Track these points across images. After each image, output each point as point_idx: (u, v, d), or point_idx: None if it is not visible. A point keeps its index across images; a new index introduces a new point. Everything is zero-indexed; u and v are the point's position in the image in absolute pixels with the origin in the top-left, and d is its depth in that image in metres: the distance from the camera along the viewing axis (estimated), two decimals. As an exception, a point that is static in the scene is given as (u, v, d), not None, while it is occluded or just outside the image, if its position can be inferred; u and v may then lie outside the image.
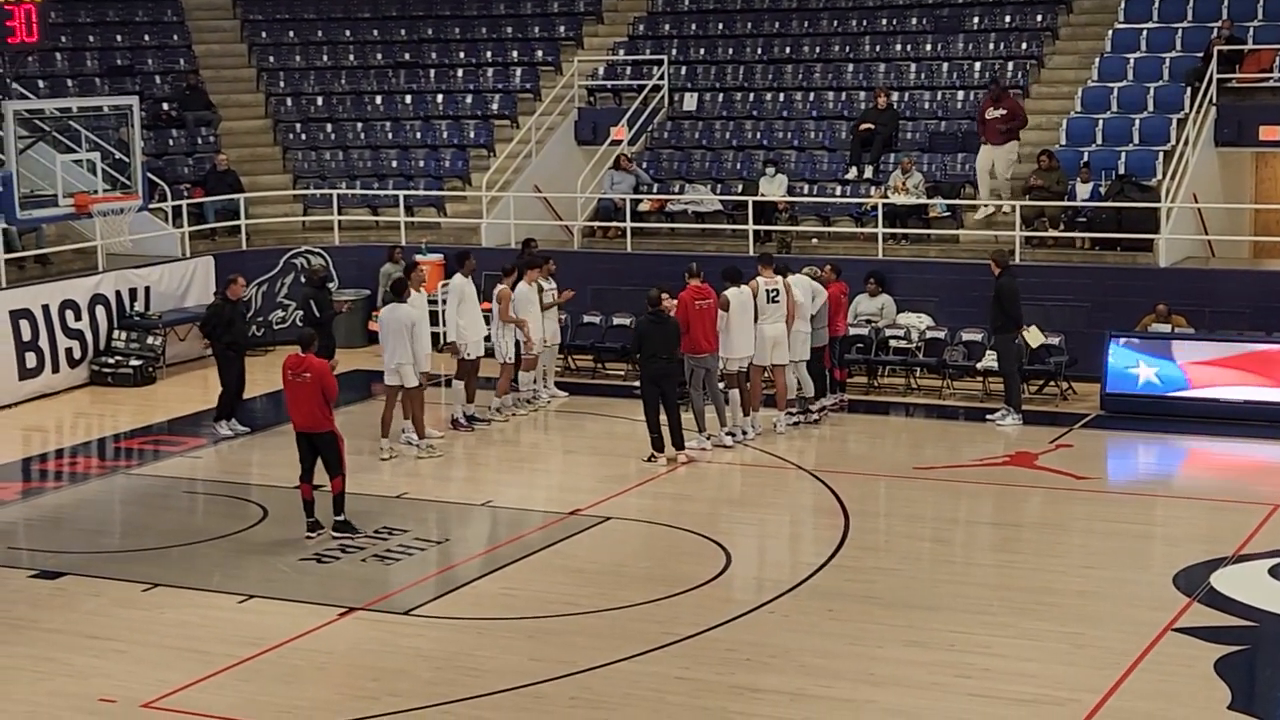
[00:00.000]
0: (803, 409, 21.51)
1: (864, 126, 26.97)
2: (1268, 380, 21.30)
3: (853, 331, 23.30)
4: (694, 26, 31.34)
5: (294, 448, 16.94)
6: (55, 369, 24.05)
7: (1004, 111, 25.80)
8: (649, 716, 12.32)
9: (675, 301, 19.98)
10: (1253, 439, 20.69)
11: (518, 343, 21.92)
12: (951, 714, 12.30)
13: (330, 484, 16.76)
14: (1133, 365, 21.88)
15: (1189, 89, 26.25)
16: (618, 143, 28.54)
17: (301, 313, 23.55)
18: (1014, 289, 21.35)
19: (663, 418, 19.66)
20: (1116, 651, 13.45)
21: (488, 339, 21.74)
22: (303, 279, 26.41)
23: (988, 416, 21.59)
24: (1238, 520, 17.07)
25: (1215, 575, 15.30)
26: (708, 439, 20.16)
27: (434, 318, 22.31)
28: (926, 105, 28.22)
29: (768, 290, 20.63)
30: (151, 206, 26.51)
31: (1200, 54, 26.62)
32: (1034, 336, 22.25)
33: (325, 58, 32.55)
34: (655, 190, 27.87)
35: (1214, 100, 25.70)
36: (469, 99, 31.14)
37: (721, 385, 20.50)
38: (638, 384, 20.22)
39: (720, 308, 20.15)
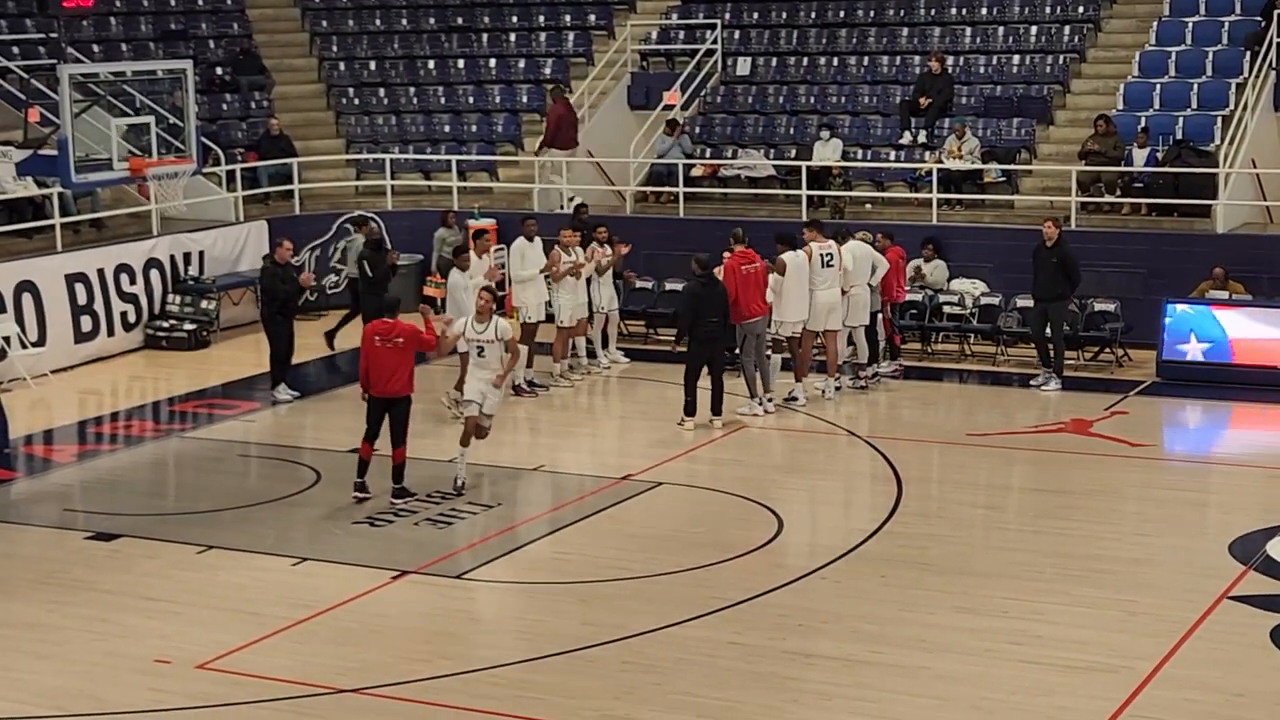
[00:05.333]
0: (854, 374, 21.46)
1: (923, 99, 26.80)
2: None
3: (907, 297, 23.23)
4: (747, -10, 31.21)
5: (347, 412, 17.03)
6: (110, 332, 24.20)
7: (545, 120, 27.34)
8: (701, 681, 12.32)
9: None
10: (1310, 406, 20.57)
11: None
12: (1004, 680, 12.26)
13: (393, 452, 16.79)
14: (1189, 332, 21.72)
15: (1248, 53, 26.00)
16: (670, 107, 28.47)
17: (355, 274, 23.56)
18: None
19: (704, 383, 19.63)
20: (1171, 619, 13.38)
21: (548, 304, 21.75)
22: (349, 238, 26.46)
23: (1031, 382, 21.48)
24: (1295, 488, 16.97)
25: (1272, 543, 15.20)
26: (759, 404, 20.12)
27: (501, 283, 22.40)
28: (982, 70, 28.02)
29: (822, 255, 20.55)
30: (205, 171, 26.58)
31: (1259, 17, 26.34)
32: None
33: (378, 22, 32.55)
34: (701, 157, 27.77)
35: (1273, 64, 25.44)
36: (522, 63, 31.09)
37: (769, 351, 20.44)
38: (683, 348, 20.11)
39: (776, 271, 20.08)
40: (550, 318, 21.82)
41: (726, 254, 20.22)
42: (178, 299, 25.07)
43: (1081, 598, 13.95)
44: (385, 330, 16.61)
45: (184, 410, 21.41)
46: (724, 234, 22.83)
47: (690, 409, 19.60)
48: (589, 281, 22.19)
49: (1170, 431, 20.76)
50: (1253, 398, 20.89)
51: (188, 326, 24.72)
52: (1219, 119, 25.36)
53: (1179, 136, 25.10)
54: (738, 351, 20.26)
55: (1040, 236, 21.41)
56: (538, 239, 21.68)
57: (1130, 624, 13.39)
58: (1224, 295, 22.12)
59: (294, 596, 14.24)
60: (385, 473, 16.92)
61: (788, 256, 20.24)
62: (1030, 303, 22.09)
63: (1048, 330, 21.45)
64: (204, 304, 25.01)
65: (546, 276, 21.56)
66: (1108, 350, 22.70)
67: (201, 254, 25.75)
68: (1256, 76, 25.36)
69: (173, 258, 25.30)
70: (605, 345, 22.99)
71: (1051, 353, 21.45)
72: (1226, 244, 23.36)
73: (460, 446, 17.14)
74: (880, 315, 21.72)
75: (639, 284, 24.54)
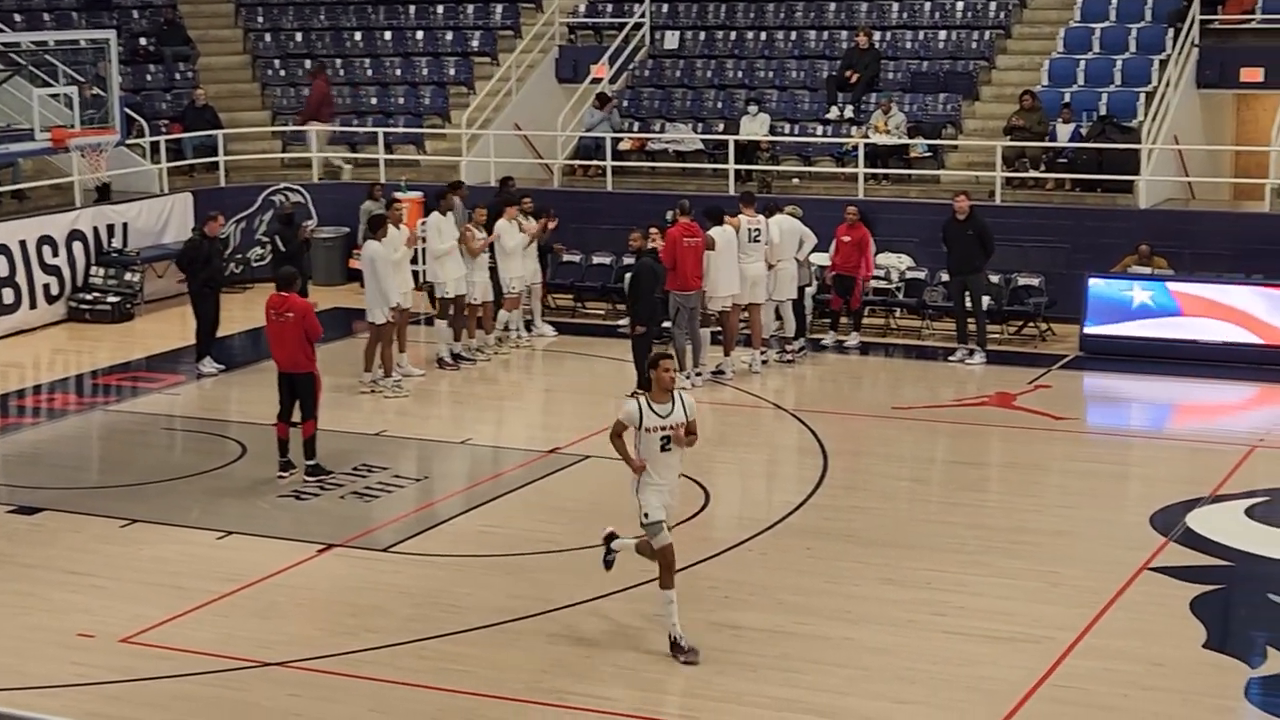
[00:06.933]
0: (780, 348, 21.55)
1: (850, 75, 26.89)
2: (1245, 322, 21.34)
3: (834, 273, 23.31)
4: (675, -36, 31.17)
5: (272, 385, 16.91)
6: (33, 305, 23.95)
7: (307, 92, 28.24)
8: (627, 653, 12.36)
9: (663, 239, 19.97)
10: (1230, 380, 20.75)
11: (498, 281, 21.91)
12: (928, 651, 12.36)
13: (302, 426, 16.72)
14: (1112, 307, 21.91)
15: (1171, 30, 26.20)
16: (598, 81, 28.43)
17: (273, 250, 23.44)
18: None
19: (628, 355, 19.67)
20: (1092, 590, 13.52)
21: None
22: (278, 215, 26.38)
23: (950, 358, 21.60)
24: (1214, 461, 17.15)
25: (1191, 515, 15.38)
26: (687, 378, 20.16)
27: (420, 255, 22.28)
28: (908, 45, 28.13)
29: (750, 229, 20.64)
30: (129, 142, 26.36)
31: (1182, -6, 26.57)
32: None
33: (304, -8, 32.32)
34: (628, 131, 27.75)
35: (1196, 42, 25.66)
36: (449, 35, 30.94)
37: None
38: (627, 323, 20.02)
39: (706, 247, 20.13)
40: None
41: (653, 228, 20.20)
42: (101, 271, 24.84)
43: (1004, 569, 14.08)
44: (277, 304, 16.62)
45: (108, 383, 21.24)
46: (651, 208, 22.91)
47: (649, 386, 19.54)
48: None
49: (1092, 405, 20.96)
50: (1173, 371, 21.09)
51: (111, 299, 24.51)
52: (1142, 95, 25.56)
53: (1103, 113, 25.29)
54: (668, 324, 20.30)
55: (951, 211, 21.56)
56: (451, 214, 21.55)
57: (1052, 595, 13.53)
58: (1147, 270, 22.33)
59: (219, 570, 14.18)
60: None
61: (715, 232, 20.30)
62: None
63: (968, 304, 21.60)
64: (128, 276, 24.81)
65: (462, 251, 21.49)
66: (1031, 324, 22.88)
67: (125, 226, 25.52)
68: (1179, 53, 25.56)
69: (96, 230, 25.05)
70: (530, 319, 22.95)
71: (972, 326, 21.60)
72: (1149, 219, 23.56)
73: (663, 591, 12.47)
74: (845, 289, 22.08)
75: (566, 257, 24.51)
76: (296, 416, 16.78)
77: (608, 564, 13.09)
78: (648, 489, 12.35)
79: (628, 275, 21.19)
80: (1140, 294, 21.83)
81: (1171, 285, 21.90)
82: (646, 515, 12.32)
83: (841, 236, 21.98)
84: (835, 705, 11.53)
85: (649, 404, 12.32)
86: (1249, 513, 15.56)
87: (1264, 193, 23.86)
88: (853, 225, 21.96)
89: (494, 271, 21.88)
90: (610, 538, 13.04)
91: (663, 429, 12.25)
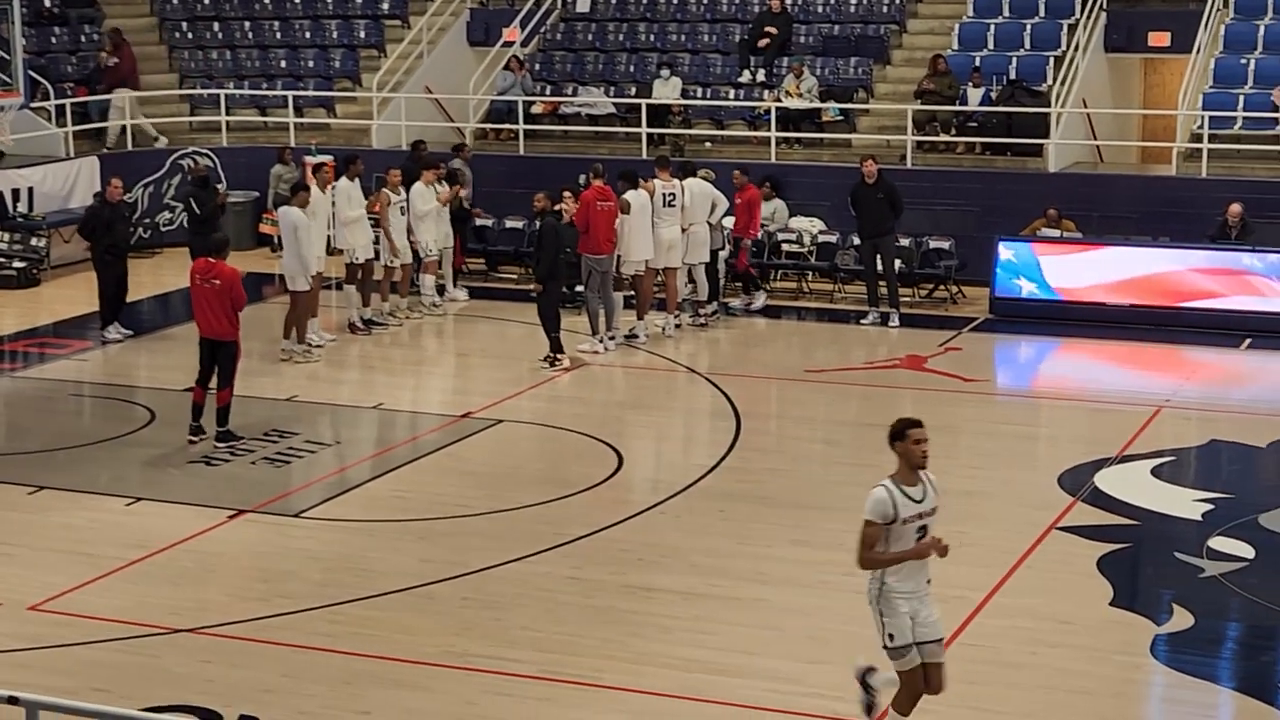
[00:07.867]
0: (693, 311, 21.57)
1: (766, 30, 26.90)
2: (1153, 284, 21.57)
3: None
4: (587, -74, 31.02)
5: (181, 351, 16.81)
6: (-64, 271, 23.64)
7: (116, 61, 27.91)
8: (541, 616, 12.37)
9: (576, 203, 19.92)
10: (1137, 342, 20.96)
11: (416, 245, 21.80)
12: (839, 611, 12.42)
13: (218, 394, 16.58)
14: (1021, 269, 22.08)
15: (1080, -6, 26.42)
16: (510, 44, 28.31)
17: (187, 214, 23.18)
18: None
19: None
20: (1002, 550, 13.66)
21: (376, 242, 21.52)
22: (188, 178, 26.08)
23: (861, 321, 21.68)
24: (1121, 421, 17.33)
25: (1099, 475, 15.54)
26: (600, 342, 20.15)
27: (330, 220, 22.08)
28: (820, 9, 28.17)
29: (664, 194, 20.63)
30: (34, 105, 26.00)
31: (1092, -41, 26.76)
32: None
33: (212, -46, 31.92)
34: (540, 94, 27.66)
35: (1104, 6, 25.89)
36: (359, -2, 30.71)
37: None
38: (535, 286, 19.94)
39: (620, 210, 20.12)
40: (378, 255, 21.55)
41: (566, 192, 20.16)
42: (6, 236, 24.50)
43: (915, 530, 14.16)
44: (204, 269, 16.46)
45: (14, 350, 20.98)
46: (563, 172, 22.87)
47: (561, 347, 19.49)
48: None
49: (1002, 367, 21.13)
50: (1082, 334, 21.31)
51: (17, 264, 24.17)
52: (1051, 59, 25.75)
53: (1012, 76, 25.46)
54: (580, 288, 20.28)
55: (860, 176, 21.61)
56: (358, 179, 21.36)
57: (963, 554, 13.52)
58: (1056, 233, 22.51)
59: (128, 537, 14.06)
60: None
61: (630, 195, 20.29)
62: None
63: (880, 267, 21.71)
64: (34, 241, 24.48)
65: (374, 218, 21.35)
66: (942, 287, 23.03)
67: (30, 190, 25.17)
68: (1088, 17, 25.77)
69: (1, 194, 24.69)
70: (443, 284, 22.82)
71: (883, 290, 21.69)
72: (1058, 183, 23.77)
73: (895, 712, 10.02)
74: (734, 251, 22.00)
75: (480, 221, 24.41)
76: (214, 384, 16.62)
77: (868, 707, 10.33)
78: (893, 600, 9.87)
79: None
80: (1049, 256, 22.00)
81: (1079, 247, 22.08)
82: (891, 638, 9.81)
83: (735, 201, 22.01)
84: (747, 665, 11.59)
85: (900, 489, 10.06)
86: (1155, 472, 15.75)
87: (1171, 156, 24.11)
88: (742, 188, 21.97)
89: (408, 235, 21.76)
90: (866, 675, 10.42)
91: (920, 517, 10.03)
